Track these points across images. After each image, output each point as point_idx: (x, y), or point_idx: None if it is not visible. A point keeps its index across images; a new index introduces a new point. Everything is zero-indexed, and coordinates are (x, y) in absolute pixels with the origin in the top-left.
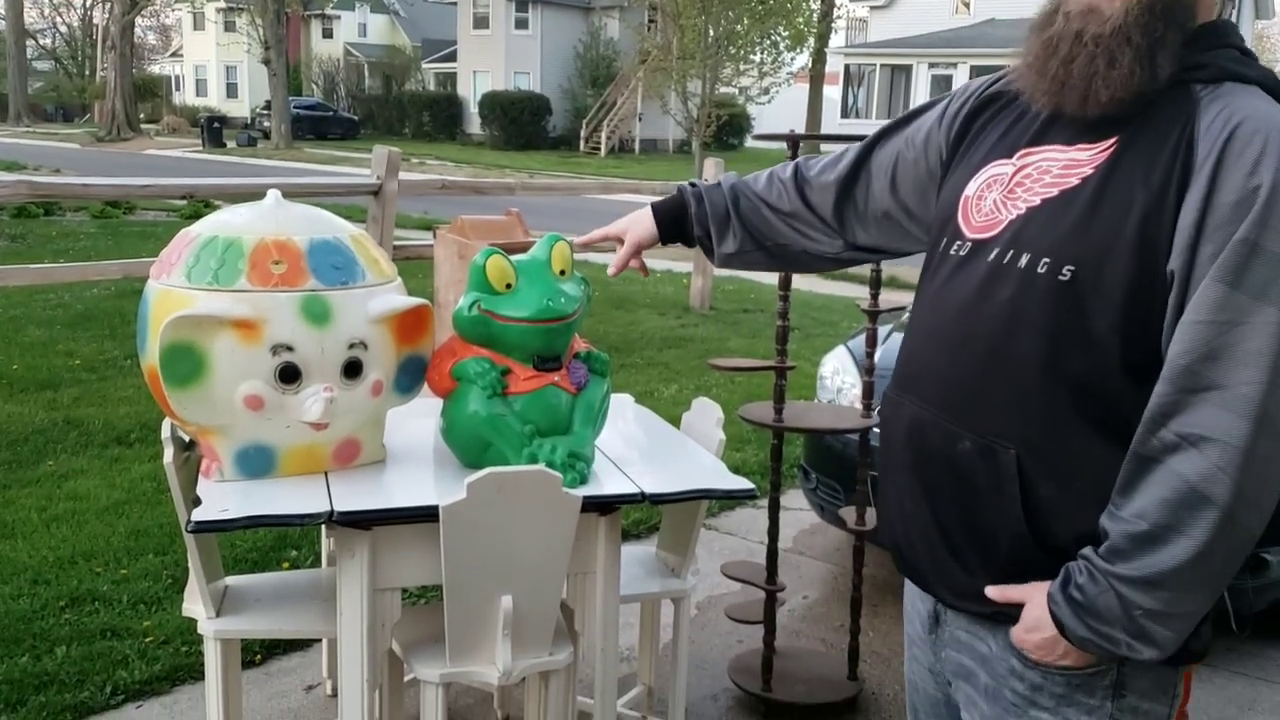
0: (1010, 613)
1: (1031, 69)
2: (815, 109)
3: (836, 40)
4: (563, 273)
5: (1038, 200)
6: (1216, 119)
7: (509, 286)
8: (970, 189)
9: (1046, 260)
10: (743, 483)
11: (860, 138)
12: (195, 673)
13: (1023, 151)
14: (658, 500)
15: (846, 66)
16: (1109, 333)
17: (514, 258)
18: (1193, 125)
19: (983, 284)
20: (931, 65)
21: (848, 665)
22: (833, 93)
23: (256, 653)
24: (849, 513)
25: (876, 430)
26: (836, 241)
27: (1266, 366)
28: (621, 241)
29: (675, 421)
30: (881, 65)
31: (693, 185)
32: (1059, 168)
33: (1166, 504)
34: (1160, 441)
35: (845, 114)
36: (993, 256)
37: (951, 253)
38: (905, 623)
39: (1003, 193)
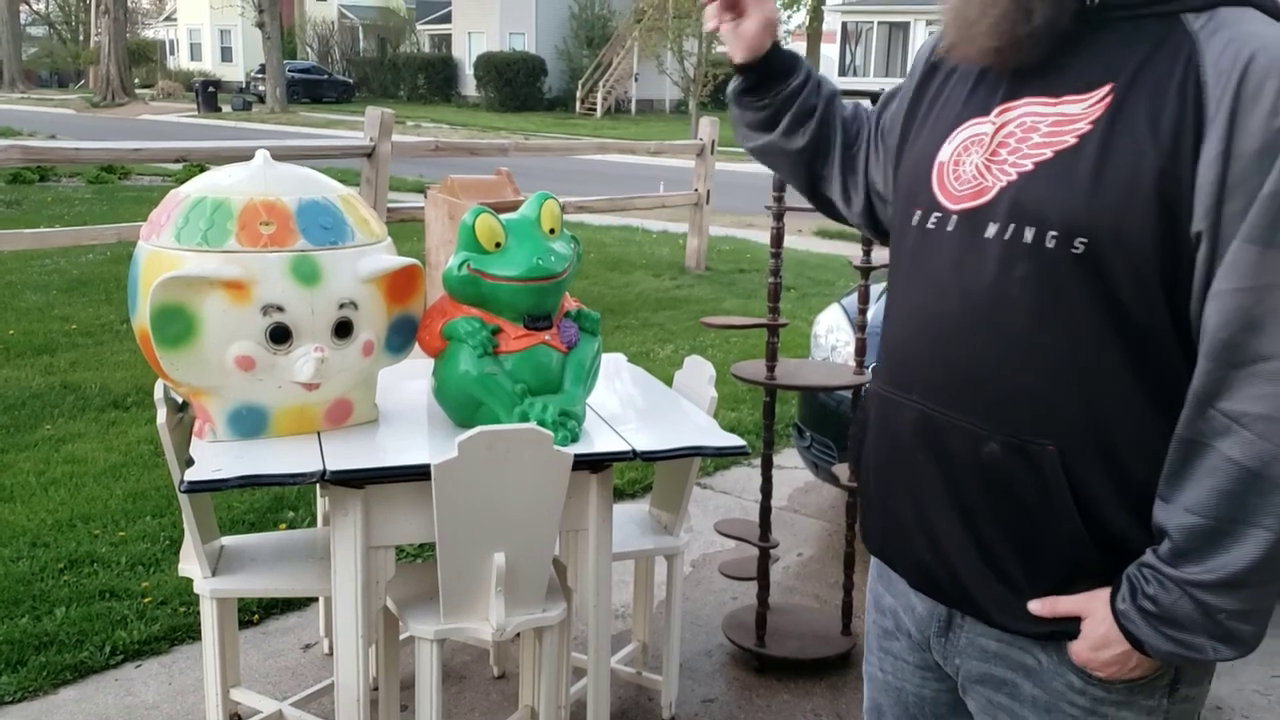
0: (1065, 628)
1: (949, 27)
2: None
3: None
4: (552, 231)
5: (1030, 164)
6: (1225, 53)
7: (498, 246)
8: (944, 153)
9: (1054, 233)
10: (735, 440)
11: (856, 94)
12: (193, 632)
13: (1001, 107)
14: (649, 457)
15: (844, 24)
16: (1138, 303)
17: (503, 217)
18: (1198, 63)
19: (991, 266)
20: (930, 22)
21: (841, 620)
22: (830, 51)
23: (254, 612)
24: (842, 470)
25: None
26: (866, 209)
27: None
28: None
29: (669, 382)
30: (879, 22)
31: (808, 64)
32: (1047, 124)
33: (1227, 495)
34: (1209, 424)
35: (843, 72)
36: (992, 232)
37: (930, 226)
38: (877, 616)
39: (984, 155)
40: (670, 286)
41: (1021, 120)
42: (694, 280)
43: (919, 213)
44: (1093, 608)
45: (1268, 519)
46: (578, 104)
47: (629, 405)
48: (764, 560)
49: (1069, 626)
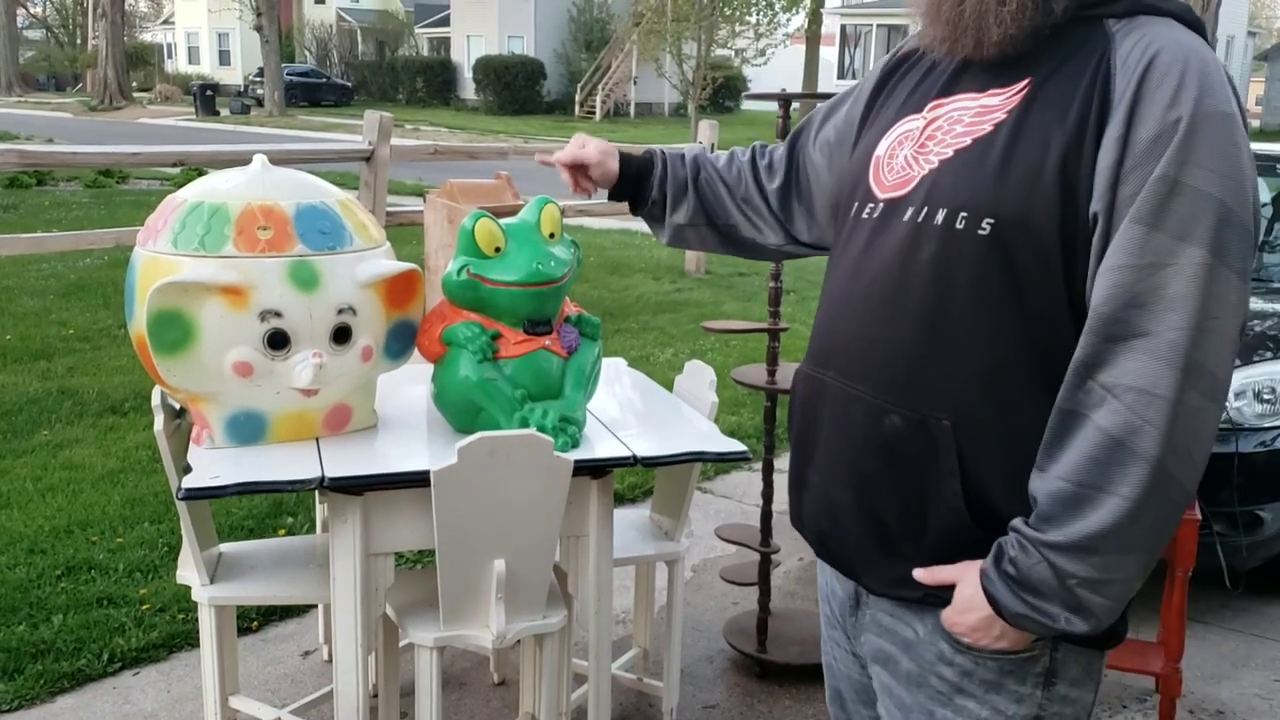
0: (940, 595)
1: (925, 15)
2: (811, 70)
3: (832, 0)
4: (552, 236)
5: (950, 151)
6: (1134, 50)
7: (498, 250)
8: (881, 149)
9: (964, 214)
10: (735, 445)
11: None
12: (192, 640)
13: (932, 104)
14: (650, 463)
15: (843, 27)
16: (1039, 286)
17: (503, 221)
18: (1108, 59)
19: (901, 246)
20: None
21: None
22: (829, 54)
23: (253, 619)
24: None
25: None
26: (779, 233)
27: (1192, 310)
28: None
29: (670, 386)
30: (878, 25)
31: (660, 150)
32: (970, 116)
33: (1092, 461)
34: (1086, 395)
35: (841, 75)
36: (908, 216)
37: (864, 216)
38: (822, 603)
39: (914, 148)
40: (670, 290)
41: (950, 114)
42: (694, 283)
43: (856, 205)
44: (966, 574)
45: (1124, 487)
46: (577, 107)
47: (629, 410)
48: (765, 565)
49: (945, 594)
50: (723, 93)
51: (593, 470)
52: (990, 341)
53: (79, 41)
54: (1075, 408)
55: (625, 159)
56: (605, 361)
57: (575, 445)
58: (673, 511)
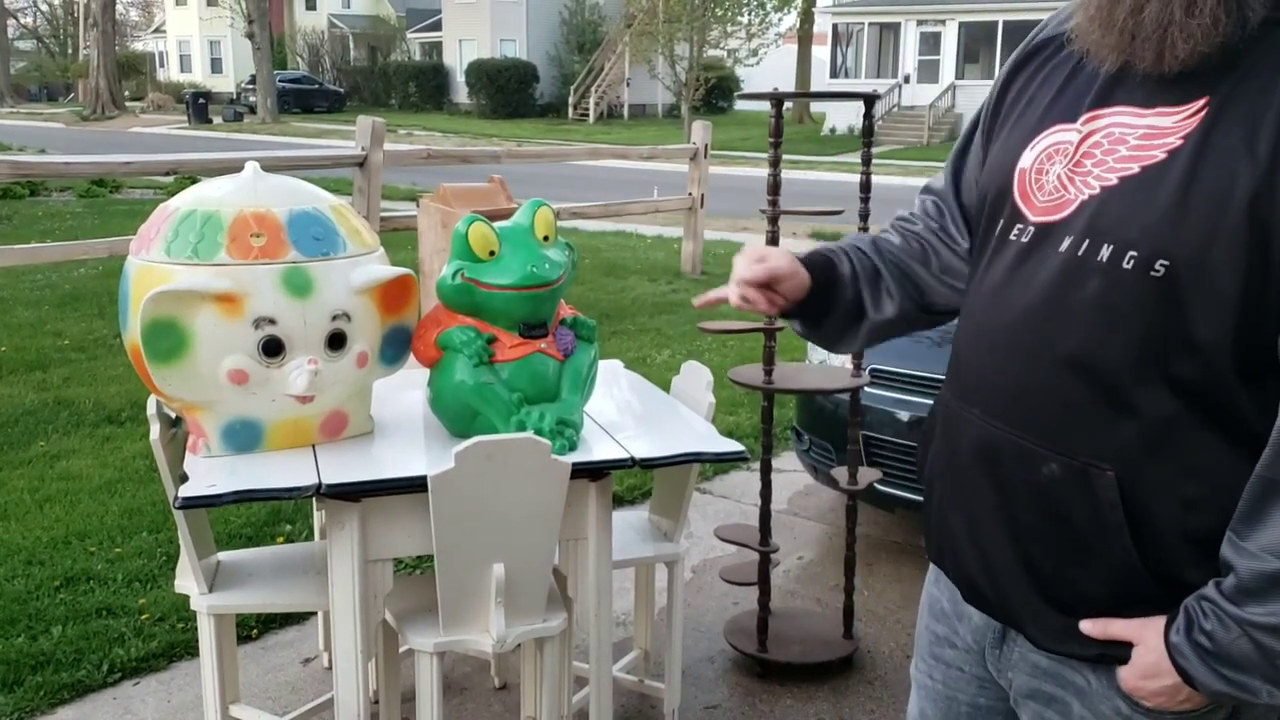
0: (1115, 654)
1: (1094, 21)
2: (804, 70)
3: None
4: (546, 238)
5: (1114, 179)
6: None
7: (492, 254)
8: (1026, 160)
9: (1134, 253)
10: (733, 446)
11: (843, 95)
12: (192, 649)
13: (1088, 115)
14: (648, 465)
15: (835, 26)
16: (1216, 336)
17: (497, 224)
18: None
19: (1058, 280)
20: (920, 22)
21: (843, 624)
22: (821, 53)
23: (253, 627)
24: (841, 473)
25: (867, 390)
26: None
27: None
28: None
29: (667, 387)
30: (870, 23)
31: (832, 247)
32: (1136, 137)
33: None
34: None
35: (834, 74)
36: (1065, 246)
37: (1011, 238)
38: (930, 621)
39: (1068, 166)
40: (666, 291)
41: (1109, 130)
42: (690, 284)
43: (1002, 223)
44: (1145, 635)
45: None
46: (570, 110)
47: (627, 412)
48: (764, 565)
49: (1119, 651)
50: (716, 93)
51: (591, 472)
52: (1157, 392)
53: (70, 51)
54: (1278, 478)
55: (806, 258)
56: (602, 363)
57: (573, 448)
58: (671, 513)
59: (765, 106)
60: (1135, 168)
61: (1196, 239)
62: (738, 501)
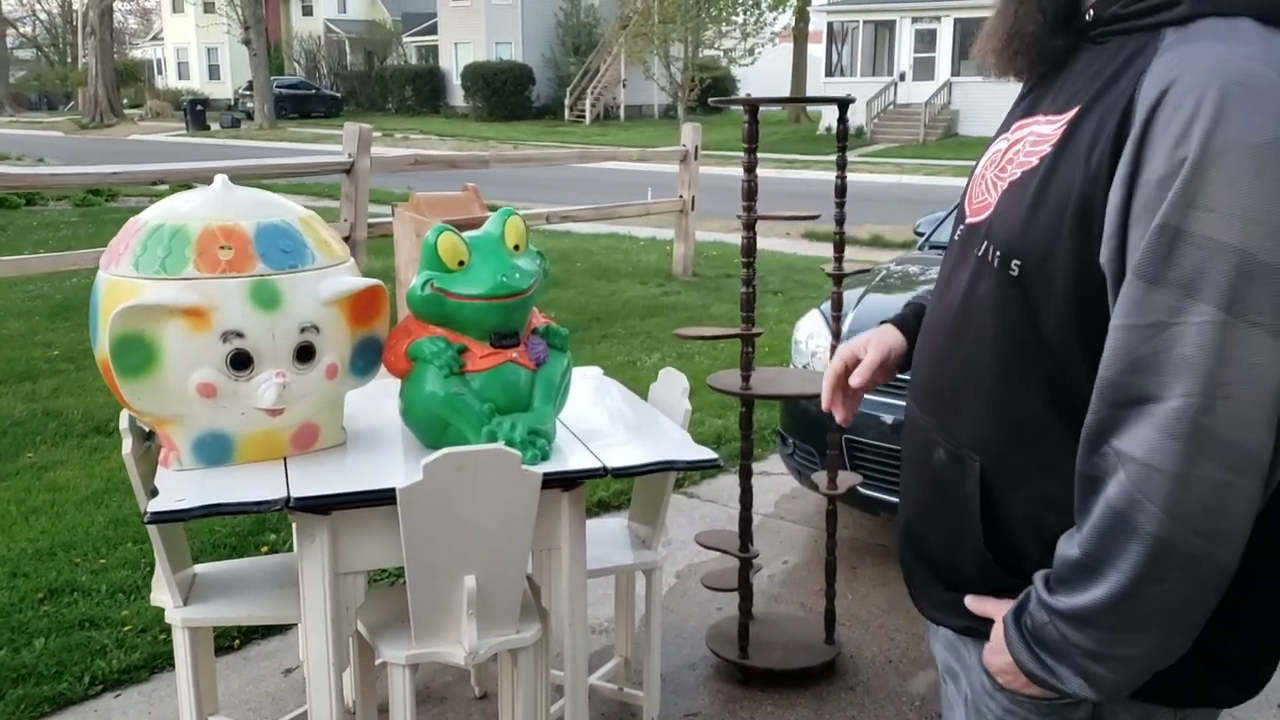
0: (982, 629)
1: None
2: (800, 68)
3: None
4: (517, 248)
5: (1007, 184)
6: (1159, 74)
7: (462, 264)
8: (979, 167)
9: (998, 253)
10: (706, 453)
11: (819, 99)
12: (173, 660)
13: (1018, 124)
14: (620, 474)
15: (830, 24)
16: (1058, 335)
17: (467, 234)
18: (1140, 83)
19: (969, 281)
20: (915, 19)
21: (825, 629)
22: (817, 51)
23: (235, 637)
24: (822, 477)
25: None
26: None
27: (1202, 375)
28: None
29: None
30: (865, 21)
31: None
32: (1029, 143)
33: (1098, 533)
34: (1102, 459)
35: (830, 72)
36: (978, 249)
37: (955, 237)
38: None
39: (995, 171)
40: (657, 293)
41: (1024, 138)
42: (681, 286)
43: (958, 227)
44: (999, 612)
45: (1124, 563)
46: (566, 111)
47: (602, 420)
48: (744, 571)
49: (984, 626)
50: (711, 93)
51: (563, 482)
52: (1016, 387)
53: (69, 60)
54: (1092, 472)
55: (898, 320)
56: (580, 370)
57: (544, 458)
58: (650, 520)
59: (765, 107)
60: (1019, 173)
61: (1041, 240)
62: (724, 505)
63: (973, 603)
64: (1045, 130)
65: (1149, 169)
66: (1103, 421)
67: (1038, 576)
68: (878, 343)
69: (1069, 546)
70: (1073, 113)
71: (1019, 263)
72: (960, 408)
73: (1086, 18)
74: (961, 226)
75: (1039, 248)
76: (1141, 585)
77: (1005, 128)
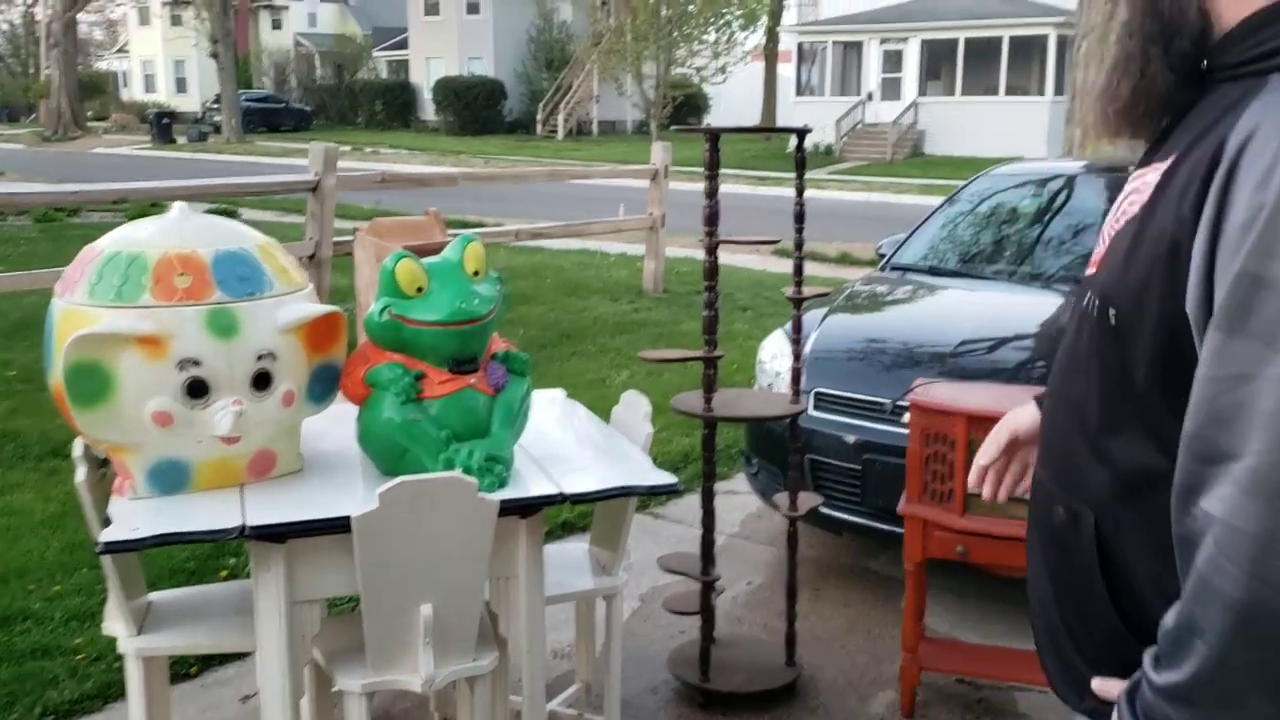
0: (1103, 711)
1: (1084, 118)
2: (770, 87)
3: (789, 18)
4: (476, 273)
5: (1113, 234)
6: (1247, 121)
7: (420, 290)
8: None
9: (1097, 303)
10: (667, 478)
11: (778, 129)
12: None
13: (1136, 172)
14: (578, 500)
15: (799, 44)
16: (1148, 383)
17: (426, 260)
18: (1231, 128)
19: (1073, 331)
20: (883, 40)
21: (786, 651)
22: (787, 71)
23: (192, 665)
24: (783, 498)
25: (812, 414)
26: None
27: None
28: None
29: None
30: (834, 42)
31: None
32: (1137, 193)
33: (1188, 599)
34: (1193, 521)
35: (800, 92)
36: (1086, 300)
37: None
38: None
39: (1110, 223)
40: (628, 310)
41: (1136, 188)
42: (652, 303)
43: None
44: (1118, 693)
45: (1208, 634)
46: (539, 126)
47: (562, 445)
48: (706, 594)
49: (1106, 709)
50: (684, 110)
51: (521, 509)
52: (1118, 438)
53: (31, 71)
54: (1185, 534)
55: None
56: (541, 394)
57: (502, 484)
58: (610, 544)
59: (737, 123)
60: (1123, 223)
61: (1135, 288)
62: (690, 526)
63: (1099, 685)
64: (1151, 179)
65: (1232, 215)
66: (1189, 477)
67: (1147, 653)
68: (1010, 421)
69: (1168, 616)
70: (1170, 160)
71: (1115, 311)
72: (1071, 462)
73: (1203, 65)
74: (1084, 277)
75: (1133, 296)
76: (1232, 655)
77: (1128, 180)
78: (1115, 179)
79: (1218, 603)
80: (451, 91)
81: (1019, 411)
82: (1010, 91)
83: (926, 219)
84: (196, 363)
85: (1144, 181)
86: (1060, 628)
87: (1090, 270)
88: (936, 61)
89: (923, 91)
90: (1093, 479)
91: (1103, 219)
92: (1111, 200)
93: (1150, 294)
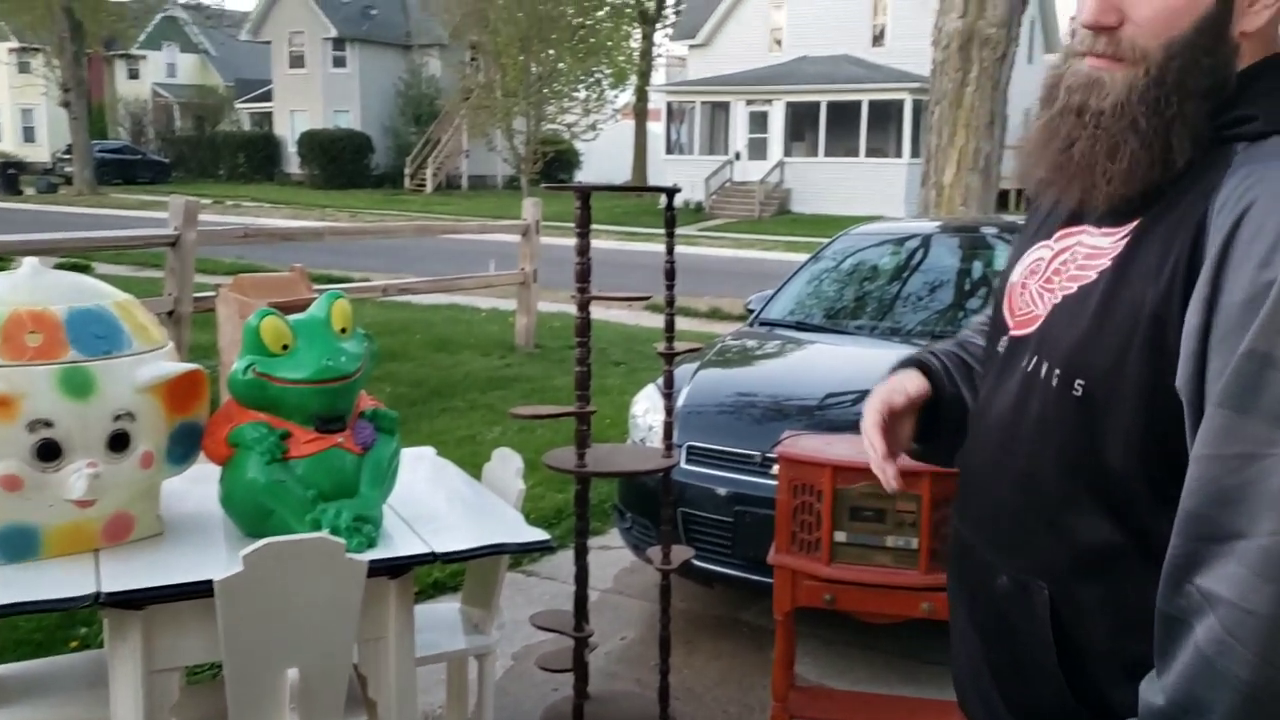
0: None
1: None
2: (641, 144)
3: (658, 78)
4: (344, 330)
5: (1060, 297)
6: (1235, 190)
7: (286, 348)
8: (1016, 274)
9: (1058, 372)
10: (539, 535)
11: (648, 189)
12: None
13: (1061, 232)
14: (449, 559)
15: (669, 104)
16: (1126, 460)
17: (292, 317)
18: (1213, 199)
19: (1016, 396)
20: (749, 102)
21: (659, 705)
22: (657, 128)
23: None
24: (656, 552)
25: (684, 467)
26: None
27: None
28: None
29: None
30: (702, 102)
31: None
32: (1083, 256)
33: (1188, 681)
34: (1187, 601)
35: (670, 150)
36: (1025, 362)
37: (998, 349)
38: None
39: (1040, 281)
40: (500, 365)
41: (1074, 248)
42: (524, 358)
43: (994, 334)
44: None
45: (1215, 715)
46: (407, 180)
47: (433, 503)
48: (580, 651)
49: None
50: (555, 166)
51: (390, 569)
52: (1081, 512)
53: None
54: (1177, 614)
55: (911, 360)
56: (411, 451)
57: (371, 545)
58: (482, 603)
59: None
60: (1074, 287)
61: (1109, 360)
62: (564, 583)
63: None
64: (1101, 243)
65: (1230, 292)
66: (1186, 557)
67: None
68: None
69: (1153, 694)
70: (1131, 226)
71: (1082, 383)
72: (1021, 533)
73: (1176, 163)
74: (1004, 338)
75: (1106, 369)
76: None
77: (1042, 234)
78: (969, 238)
79: (1226, 684)
80: (317, 144)
81: (880, 392)
82: (870, 153)
83: (792, 276)
84: (49, 424)
85: (1085, 244)
86: (994, 693)
87: (1022, 330)
88: (800, 123)
89: (788, 152)
90: (1047, 553)
91: (960, 276)
92: (969, 259)
93: (1128, 368)
